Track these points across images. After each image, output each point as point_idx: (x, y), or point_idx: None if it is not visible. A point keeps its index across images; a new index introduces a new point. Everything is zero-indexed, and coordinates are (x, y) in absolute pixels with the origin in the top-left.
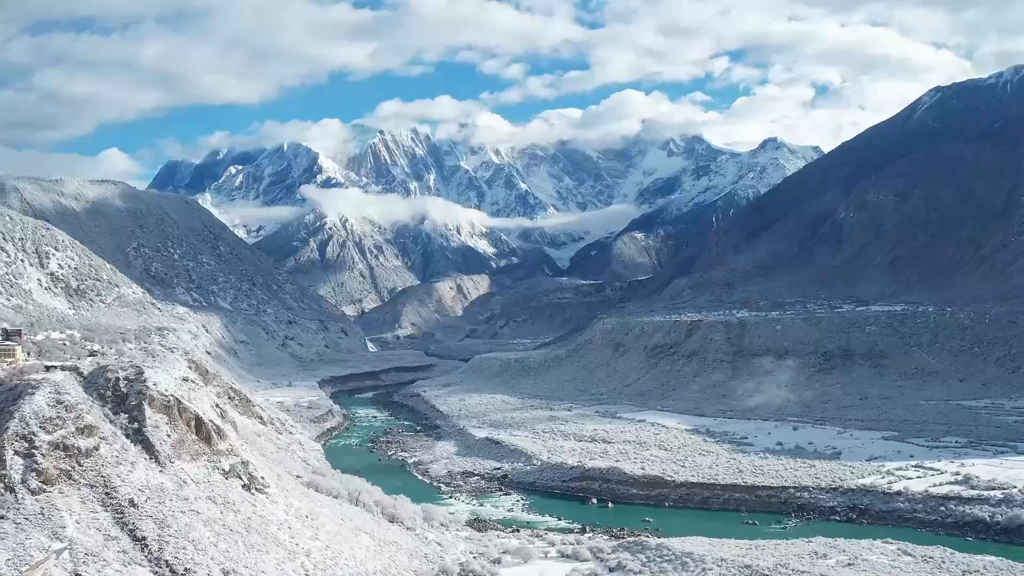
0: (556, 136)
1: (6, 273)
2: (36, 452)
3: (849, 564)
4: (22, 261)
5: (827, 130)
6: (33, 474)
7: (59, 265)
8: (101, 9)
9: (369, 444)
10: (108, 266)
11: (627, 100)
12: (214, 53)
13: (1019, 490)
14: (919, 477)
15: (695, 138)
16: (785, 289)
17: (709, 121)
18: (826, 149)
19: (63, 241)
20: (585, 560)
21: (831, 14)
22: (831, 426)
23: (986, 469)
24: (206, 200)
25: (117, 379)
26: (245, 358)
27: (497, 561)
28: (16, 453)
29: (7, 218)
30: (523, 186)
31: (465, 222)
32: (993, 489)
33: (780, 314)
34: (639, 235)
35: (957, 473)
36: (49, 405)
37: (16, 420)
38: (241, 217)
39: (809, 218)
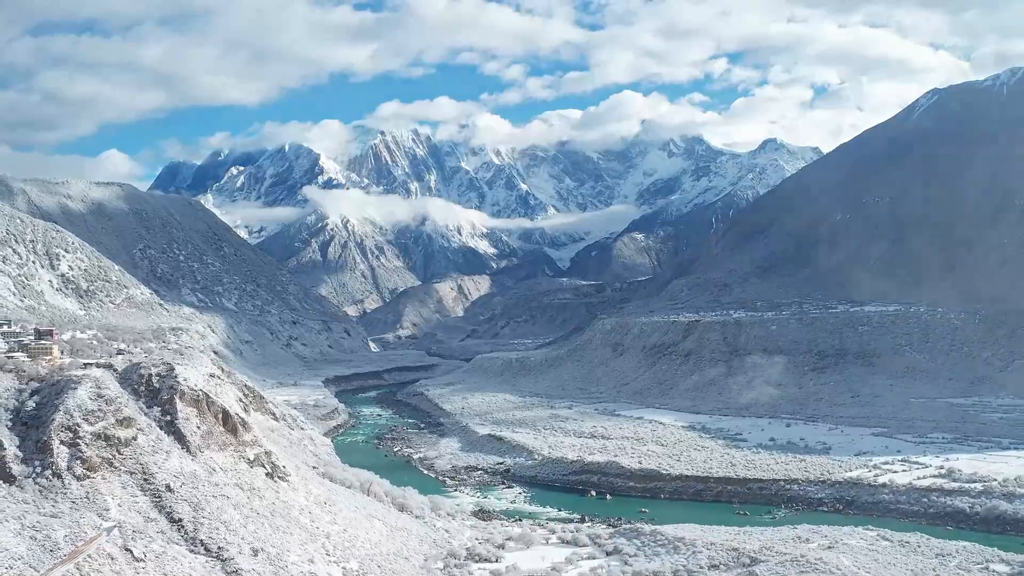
0: (556, 137)
1: (19, 275)
2: (80, 442)
3: (829, 547)
4: (33, 263)
5: (826, 131)
6: (78, 462)
7: (69, 267)
8: (102, 11)
9: (375, 441)
10: (116, 267)
11: (627, 101)
12: (215, 54)
13: (999, 483)
14: (904, 471)
15: (695, 139)
16: (782, 290)
17: (708, 122)
18: (825, 150)
19: (72, 243)
20: (584, 545)
21: (830, 15)
22: (823, 423)
23: (969, 463)
24: (208, 201)
25: (150, 375)
26: (250, 358)
27: (501, 546)
28: (62, 443)
29: (18, 220)
30: (523, 187)
31: (466, 223)
32: (974, 482)
33: (776, 314)
34: (639, 236)
35: (941, 467)
36: (91, 398)
37: (61, 412)
38: (243, 218)
39: (806, 220)
